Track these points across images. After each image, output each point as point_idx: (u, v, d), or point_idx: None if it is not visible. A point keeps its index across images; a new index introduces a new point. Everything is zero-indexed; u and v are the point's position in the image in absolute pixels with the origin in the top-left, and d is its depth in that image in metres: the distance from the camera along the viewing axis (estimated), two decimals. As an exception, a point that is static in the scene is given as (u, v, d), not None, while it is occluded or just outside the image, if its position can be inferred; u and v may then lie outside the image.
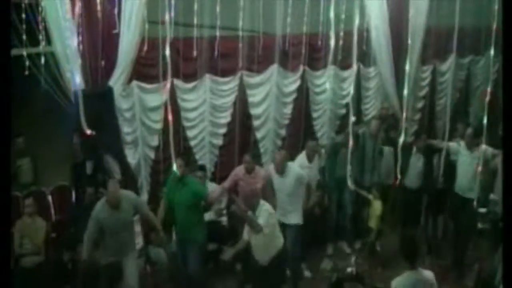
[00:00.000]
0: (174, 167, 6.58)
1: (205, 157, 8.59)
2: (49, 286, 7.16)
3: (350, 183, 7.99)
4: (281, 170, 7.52)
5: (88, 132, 6.30)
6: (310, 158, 8.12)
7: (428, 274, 5.36)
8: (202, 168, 8.17)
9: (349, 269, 6.40)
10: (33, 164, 8.18)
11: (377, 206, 8.35)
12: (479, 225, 7.83)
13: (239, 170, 7.71)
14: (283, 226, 7.39)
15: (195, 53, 7.80)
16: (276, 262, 6.70)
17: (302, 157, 8.16)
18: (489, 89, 6.76)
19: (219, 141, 8.74)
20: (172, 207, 7.10)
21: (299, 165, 7.95)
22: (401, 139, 5.81)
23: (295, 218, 7.63)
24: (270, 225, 6.54)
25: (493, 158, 7.89)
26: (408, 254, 5.30)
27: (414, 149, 8.76)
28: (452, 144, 8.58)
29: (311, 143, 8.18)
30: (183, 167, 6.88)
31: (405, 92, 7.30)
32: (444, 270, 8.00)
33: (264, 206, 6.64)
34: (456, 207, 8.42)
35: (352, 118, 6.35)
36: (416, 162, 8.72)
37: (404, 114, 6.29)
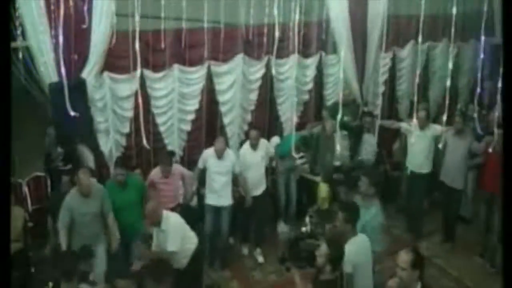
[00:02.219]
0: (118, 176, 7.33)
1: (174, 142, 9.04)
2: (29, 271, 7.55)
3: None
4: (220, 155, 8.14)
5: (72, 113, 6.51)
6: (253, 147, 8.65)
7: (364, 236, 5.92)
8: (172, 153, 8.65)
9: (303, 229, 6.84)
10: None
11: (323, 188, 8.87)
12: (335, 176, 8.76)
13: (155, 174, 8.05)
14: (217, 209, 8.26)
15: (163, 44, 8.26)
16: (193, 263, 6.87)
17: (247, 146, 8.74)
18: (418, 71, 7.37)
19: (187, 127, 9.18)
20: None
21: (244, 152, 8.66)
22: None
23: (227, 200, 8.34)
24: (181, 237, 6.64)
25: (443, 134, 8.63)
26: (353, 222, 5.83)
27: (365, 130, 9.65)
28: (403, 124, 9.42)
29: (253, 132, 8.71)
30: (125, 175, 7.41)
31: (341, 76, 7.91)
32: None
33: (170, 219, 6.63)
34: (411, 182, 9.28)
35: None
36: (368, 142, 9.51)
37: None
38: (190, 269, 6.82)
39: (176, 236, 6.55)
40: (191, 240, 6.90)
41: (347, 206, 6.15)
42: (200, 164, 8.35)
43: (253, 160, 8.62)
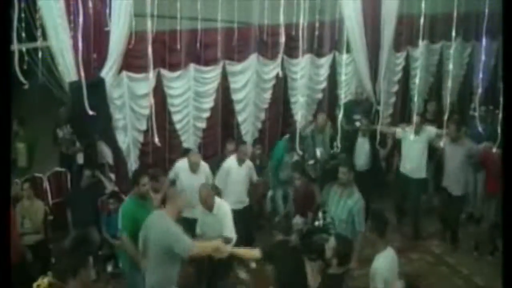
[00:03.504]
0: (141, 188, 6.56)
1: (189, 139, 9.27)
2: (49, 261, 7.79)
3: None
4: (195, 169, 7.84)
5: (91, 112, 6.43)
6: (240, 162, 8.24)
7: (392, 250, 5.86)
8: (188, 151, 8.78)
9: (316, 223, 7.00)
10: (28, 150, 8.76)
11: None
12: (312, 175, 9.08)
13: None
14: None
15: (179, 44, 8.46)
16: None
17: (232, 159, 8.31)
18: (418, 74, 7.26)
19: (202, 124, 9.41)
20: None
21: (230, 167, 8.22)
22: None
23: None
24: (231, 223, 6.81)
25: (438, 137, 8.66)
26: (380, 234, 5.79)
27: (360, 134, 9.52)
28: (399, 130, 9.44)
29: (243, 147, 8.45)
30: (147, 186, 6.72)
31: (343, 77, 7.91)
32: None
33: (222, 206, 6.83)
34: (404, 187, 9.32)
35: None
36: (362, 146, 9.49)
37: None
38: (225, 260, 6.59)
39: (230, 222, 6.77)
40: (233, 231, 6.90)
41: (374, 214, 6.33)
42: (171, 175, 8.08)
43: (237, 176, 8.21)
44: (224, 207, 6.88)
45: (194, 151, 8.31)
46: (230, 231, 6.73)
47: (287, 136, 9.37)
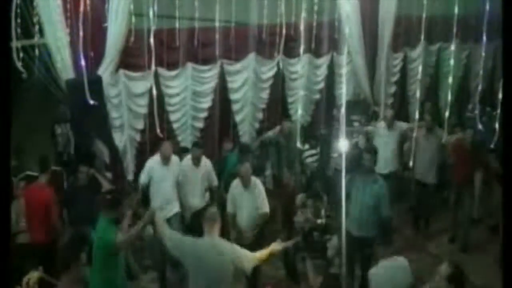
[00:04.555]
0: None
1: (187, 139, 9.21)
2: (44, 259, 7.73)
3: None
4: (166, 162, 7.65)
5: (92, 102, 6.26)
6: (195, 163, 7.99)
7: (402, 260, 5.32)
8: (186, 150, 8.74)
9: (319, 221, 6.97)
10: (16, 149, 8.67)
11: None
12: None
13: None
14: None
15: (177, 43, 8.43)
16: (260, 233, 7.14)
17: (188, 161, 8.08)
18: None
19: (200, 124, 9.37)
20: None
21: (186, 168, 7.98)
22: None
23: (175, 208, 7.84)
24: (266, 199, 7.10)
25: (410, 130, 8.91)
26: (384, 242, 5.84)
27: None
28: (370, 127, 9.64)
29: (195, 150, 8.03)
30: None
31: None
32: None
33: (257, 183, 7.15)
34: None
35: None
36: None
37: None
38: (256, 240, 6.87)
39: (265, 198, 7.06)
40: (267, 206, 7.16)
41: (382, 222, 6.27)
42: (142, 180, 7.70)
43: (192, 178, 7.98)
44: (259, 184, 7.16)
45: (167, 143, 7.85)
46: (267, 206, 7.06)
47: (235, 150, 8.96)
